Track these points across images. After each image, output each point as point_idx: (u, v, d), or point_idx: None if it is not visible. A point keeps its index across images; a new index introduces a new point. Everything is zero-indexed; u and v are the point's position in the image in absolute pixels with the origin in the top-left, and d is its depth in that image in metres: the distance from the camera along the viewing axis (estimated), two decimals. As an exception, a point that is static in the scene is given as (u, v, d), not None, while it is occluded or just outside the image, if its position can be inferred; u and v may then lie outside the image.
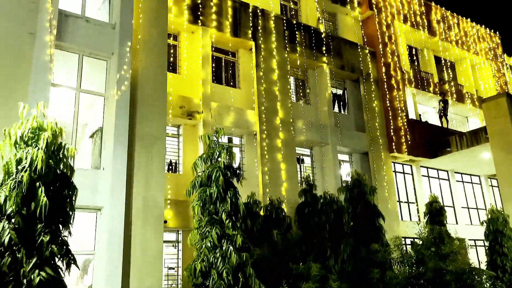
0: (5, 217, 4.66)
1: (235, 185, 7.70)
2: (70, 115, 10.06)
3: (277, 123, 15.53)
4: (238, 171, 7.97)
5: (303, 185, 11.23)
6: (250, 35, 15.80)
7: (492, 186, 22.99)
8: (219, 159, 7.53)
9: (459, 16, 24.32)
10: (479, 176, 23.08)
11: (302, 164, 17.13)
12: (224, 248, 6.82)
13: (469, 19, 24.79)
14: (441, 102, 21.41)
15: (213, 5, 15.18)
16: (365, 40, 20.22)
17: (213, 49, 15.29)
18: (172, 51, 14.41)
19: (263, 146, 14.97)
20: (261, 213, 12.11)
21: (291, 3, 18.96)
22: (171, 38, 14.41)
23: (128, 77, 10.24)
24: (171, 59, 14.30)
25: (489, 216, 14.12)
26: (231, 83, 15.75)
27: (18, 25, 9.14)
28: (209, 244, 6.84)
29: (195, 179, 7.46)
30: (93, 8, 11.11)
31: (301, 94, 17.70)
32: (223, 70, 15.75)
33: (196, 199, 7.40)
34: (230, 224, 7.06)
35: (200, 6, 14.77)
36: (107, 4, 11.21)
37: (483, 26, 25.59)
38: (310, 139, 16.71)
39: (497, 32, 26.37)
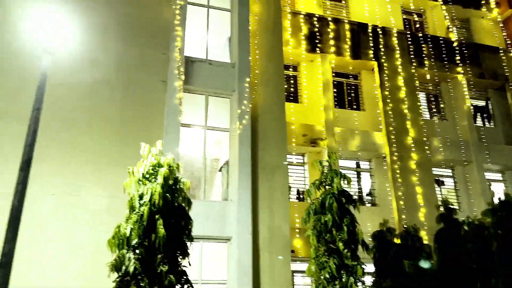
0: (131, 248, 5.17)
1: (351, 212, 7.27)
2: (200, 151, 10.86)
3: (409, 143, 14.48)
4: (353, 196, 7.52)
5: (441, 209, 10.10)
6: (371, 55, 15.27)
7: None
8: (333, 184, 7.24)
9: None
10: None
11: (442, 187, 15.56)
12: (343, 280, 6.43)
13: None
14: None
15: (330, 31, 15.15)
16: (508, 42, 17.87)
17: (333, 74, 15.16)
18: (292, 81, 14.68)
19: (394, 169, 14.05)
20: (397, 241, 11.22)
21: (415, 15, 17.87)
22: (291, 69, 14.71)
23: (248, 111, 10.70)
24: (292, 89, 14.56)
25: None
26: (354, 106, 15.30)
27: (152, 75, 10.36)
28: (327, 275, 6.52)
29: (309, 207, 7.28)
30: (215, 51, 12.02)
31: (435, 110, 16.28)
32: (345, 94, 15.42)
33: (311, 227, 7.19)
34: (348, 253, 6.65)
35: (317, 34, 14.87)
36: (227, 46, 12.03)
37: None
38: (450, 158, 15.15)
39: None
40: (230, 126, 11.08)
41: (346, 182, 7.49)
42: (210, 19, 11.87)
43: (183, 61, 10.73)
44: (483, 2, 18.15)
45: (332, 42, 14.99)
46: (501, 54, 17.04)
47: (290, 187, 12.08)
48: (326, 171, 7.55)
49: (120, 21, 10.54)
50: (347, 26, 15.43)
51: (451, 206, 9.77)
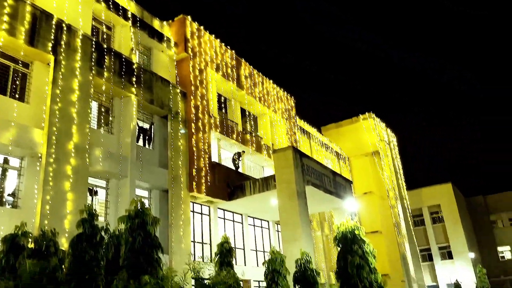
0: None
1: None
2: None
3: (70, 148, 14.08)
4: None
5: (84, 214, 10.08)
6: (50, 48, 14.30)
7: (277, 231, 25.25)
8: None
9: (264, 76, 27.11)
10: (268, 221, 25.15)
11: (95, 196, 15.78)
12: None
13: (271, 81, 27.83)
14: (235, 154, 22.71)
15: (8, 6, 13.36)
16: (178, 79, 20.58)
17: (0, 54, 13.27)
18: None
19: (48, 171, 13.27)
20: (31, 245, 10.41)
21: (104, 27, 18.15)
22: None
23: None
24: None
25: (270, 257, 15.13)
26: (18, 96, 13.77)
27: None
28: None
29: None
30: None
31: (103, 122, 16.63)
32: (10, 80, 13.72)
33: None
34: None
35: (-10, 3, 12.79)
36: None
37: (282, 89, 29.03)
38: (108, 170, 15.64)
39: (292, 96, 30.23)
40: None
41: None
42: None
43: None
44: (165, 38, 20.36)
45: (6, 18, 13.20)
46: (170, 88, 19.35)
47: None
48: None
49: None
50: (29, 8, 13.99)
51: (93, 213, 9.96)
